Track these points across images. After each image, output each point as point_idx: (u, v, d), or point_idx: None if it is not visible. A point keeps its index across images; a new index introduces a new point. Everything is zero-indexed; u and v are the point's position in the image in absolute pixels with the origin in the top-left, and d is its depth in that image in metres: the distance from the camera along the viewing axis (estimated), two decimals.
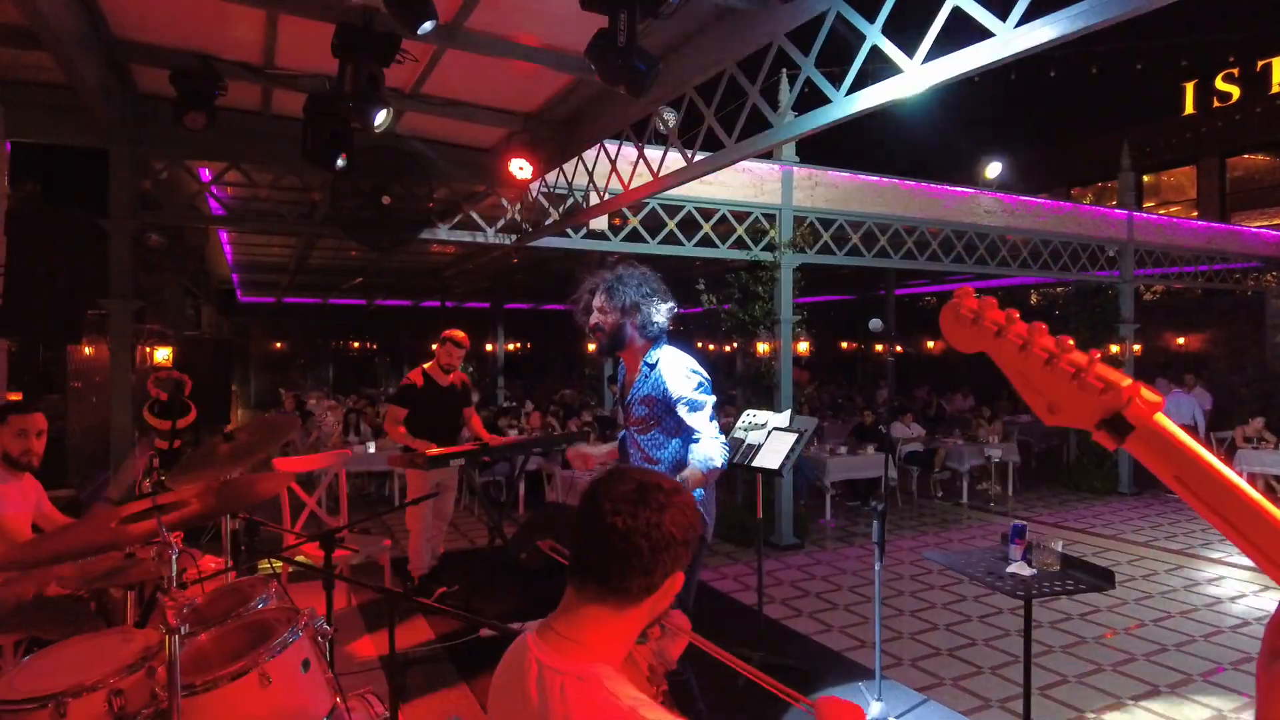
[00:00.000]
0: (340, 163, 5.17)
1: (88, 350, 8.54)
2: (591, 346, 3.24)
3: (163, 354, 7.26)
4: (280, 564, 3.99)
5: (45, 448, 3.58)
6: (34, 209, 5.52)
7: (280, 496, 4.89)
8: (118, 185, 5.87)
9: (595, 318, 3.08)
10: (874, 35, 3.58)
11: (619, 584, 1.26)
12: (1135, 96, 19.29)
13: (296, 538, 4.22)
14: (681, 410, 2.93)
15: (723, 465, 2.87)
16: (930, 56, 3.35)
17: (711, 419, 2.95)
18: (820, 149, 7.52)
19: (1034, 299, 18.02)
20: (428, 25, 3.44)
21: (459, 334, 5.62)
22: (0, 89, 5.49)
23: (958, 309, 0.98)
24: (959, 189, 9.79)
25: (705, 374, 3.01)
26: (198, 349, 8.34)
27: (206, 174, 6.98)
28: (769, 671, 4.61)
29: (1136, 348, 11.63)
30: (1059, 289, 16.63)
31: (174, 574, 1.69)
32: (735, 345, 8.70)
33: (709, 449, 2.87)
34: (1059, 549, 3.15)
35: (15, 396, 5.49)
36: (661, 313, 3.05)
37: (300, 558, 3.89)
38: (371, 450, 8.77)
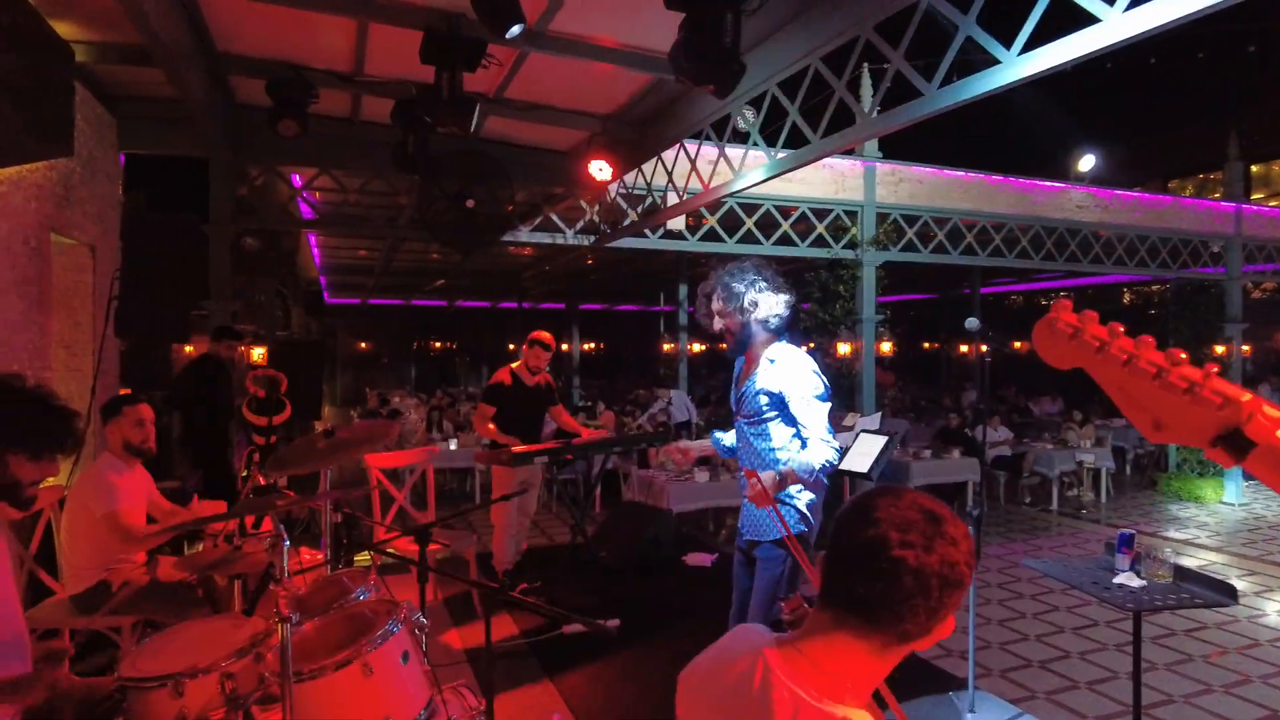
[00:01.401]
0: (429, 168, 5.30)
1: (188, 349, 8.98)
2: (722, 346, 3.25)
3: (258, 353, 7.60)
4: (373, 557, 4.11)
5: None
6: (142, 216, 5.82)
7: (370, 492, 5.04)
8: (217, 192, 6.16)
9: (719, 322, 3.08)
10: (968, 25, 3.46)
11: (892, 624, 1.10)
12: (1244, 81, 18.19)
13: (387, 532, 4.34)
14: (797, 408, 2.91)
15: (826, 470, 2.82)
16: (1029, 46, 3.23)
17: (827, 425, 2.91)
18: (902, 144, 7.34)
19: (1127, 298, 17.22)
20: (515, 29, 3.48)
21: (546, 336, 5.69)
22: (116, 105, 5.82)
23: (1054, 324, 0.92)
24: (1049, 183, 9.41)
25: (825, 378, 2.98)
26: (290, 349, 8.68)
27: (298, 179, 7.26)
28: None
29: (1245, 348, 10.97)
30: (1155, 287, 15.84)
31: (285, 564, 1.75)
32: (814, 345, 8.57)
33: (817, 452, 2.82)
34: (1171, 560, 2.97)
35: (125, 392, 5.80)
36: (781, 305, 3.03)
37: (390, 551, 4.01)
38: (453, 447, 8.97)
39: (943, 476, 8.89)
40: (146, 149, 6.23)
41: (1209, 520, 9.06)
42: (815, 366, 2.98)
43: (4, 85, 3.76)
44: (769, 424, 3.01)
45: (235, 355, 5.29)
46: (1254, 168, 19.06)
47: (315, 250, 12.77)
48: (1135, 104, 22.09)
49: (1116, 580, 2.95)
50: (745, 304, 3.00)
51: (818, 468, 2.79)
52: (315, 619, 2.30)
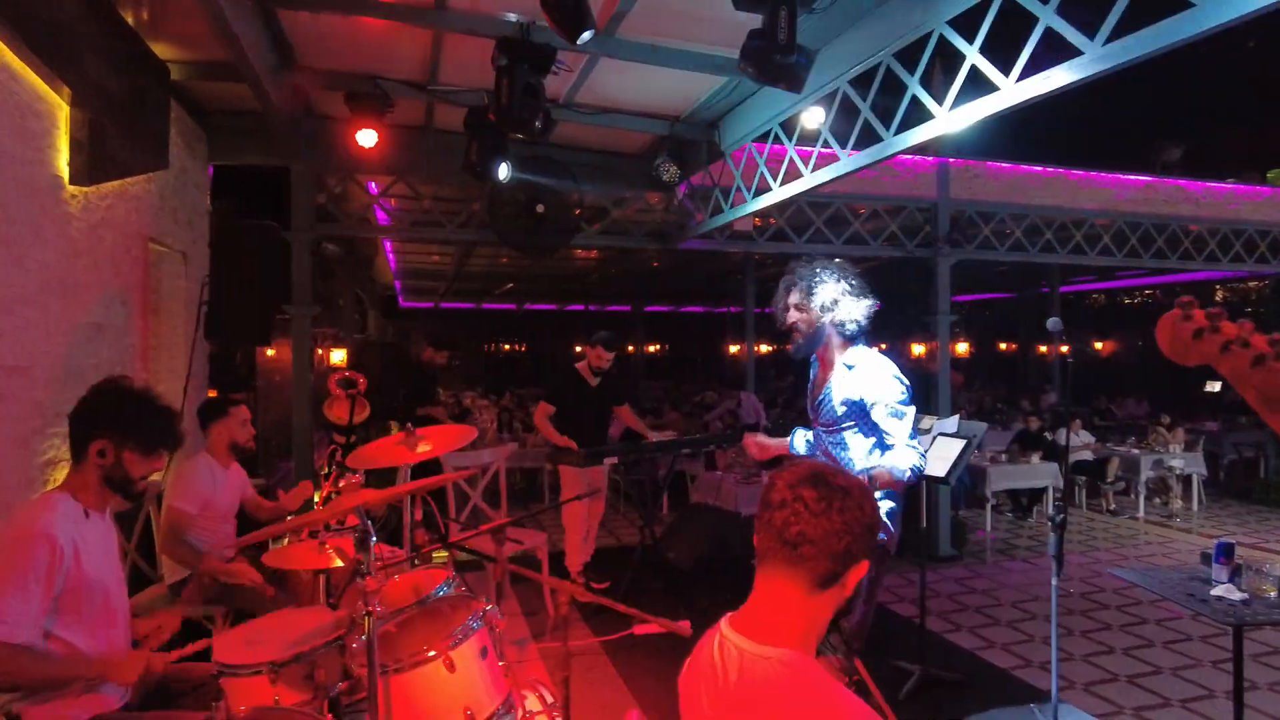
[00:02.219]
0: (500, 173, 5.39)
1: (270, 352, 9.35)
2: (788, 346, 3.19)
3: (338, 355, 7.87)
4: (448, 554, 4.21)
5: None
6: (229, 224, 6.09)
7: (446, 490, 5.17)
8: (298, 200, 6.40)
9: (792, 316, 3.01)
10: (1048, 16, 3.35)
11: (804, 567, 1.31)
12: None
13: (462, 529, 4.44)
14: (879, 416, 2.82)
15: (913, 475, 2.75)
16: (1113, 36, 3.10)
17: (912, 432, 2.83)
18: (978, 139, 7.13)
19: (1220, 294, 16.38)
20: (587, 34, 3.52)
21: (608, 336, 5.73)
22: (206, 118, 6.11)
23: (1179, 320, 0.89)
24: (1134, 176, 9.02)
25: (907, 382, 2.90)
26: (369, 351, 8.96)
27: (374, 187, 7.48)
28: (929, 685, 4.42)
29: None
30: (1252, 283, 15.02)
31: (371, 559, 1.81)
32: (885, 346, 8.40)
33: (904, 456, 2.75)
34: (1277, 573, 2.81)
35: (212, 394, 6.07)
36: (861, 310, 2.95)
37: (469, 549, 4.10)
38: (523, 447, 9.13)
39: (1021, 481, 8.62)
40: (233, 160, 6.52)
41: None
42: (896, 371, 2.89)
43: (111, 104, 3.99)
44: (846, 432, 2.95)
45: (444, 361, 5.52)
46: None
47: (390, 256, 13.13)
48: (1228, 91, 20.95)
49: (1214, 592, 2.80)
50: (825, 302, 2.92)
51: (906, 470, 2.73)
52: (398, 614, 2.37)
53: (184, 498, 3.54)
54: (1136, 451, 9.34)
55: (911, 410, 2.85)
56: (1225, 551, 2.87)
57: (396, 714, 1.95)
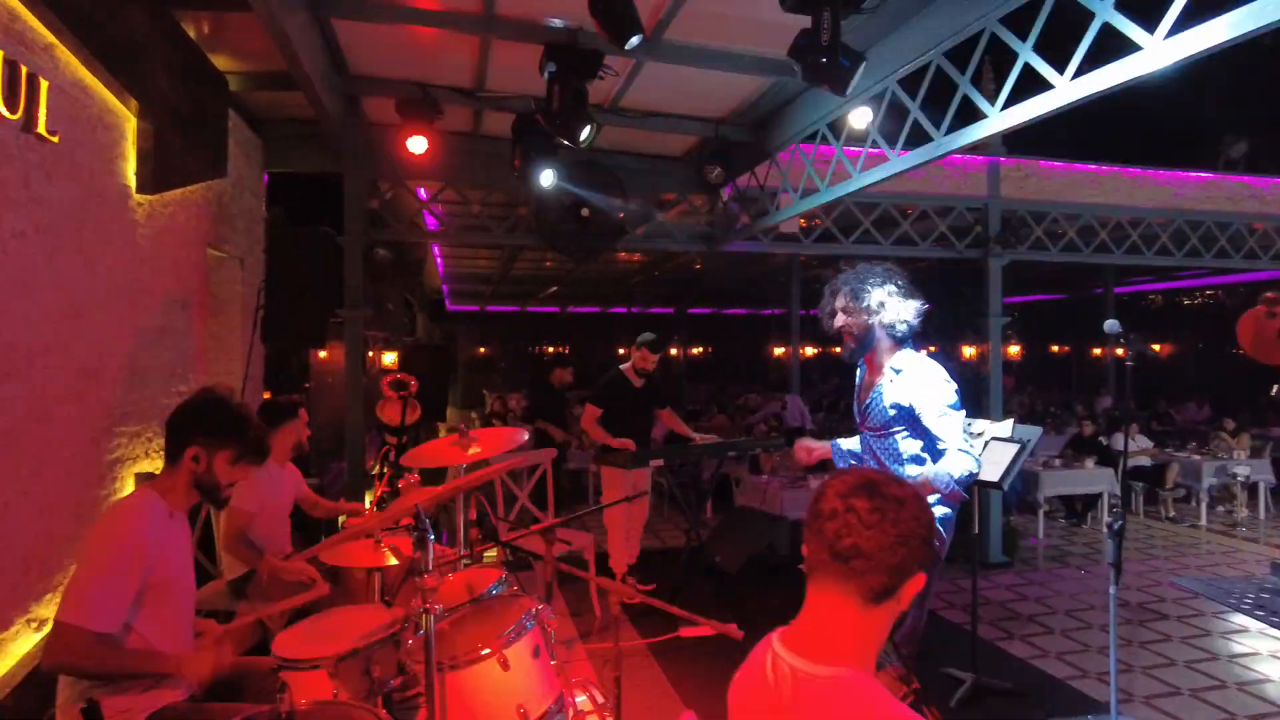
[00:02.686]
0: (547, 176, 5.44)
1: (323, 354, 9.55)
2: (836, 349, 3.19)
3: (389, 358, 8.02)
4: (499, 553, 4.27)
5: None
6: (284, 230, 6.25)
7: (495, 490, 5.23)
8: (350, 206, 6.54)
9: (840, 320, 2.99)
10: (1105, 11, 3.27)
11: (858, 580, 1.25)
12: None
13: (511, 529, 4.49)
14: (930, 421, 2.79)
15: (965, 480, 2.71)
16: (1176, 29, 3.01)
17: (965, 434, 2.79)
18: (1030, 137, 6.98)
19: None
20: (635, 40, 3.55)
21: (653, 338, 5.74)
22: (261, 127, 6.28)
23: (1265, 316, 0.87)
24: (1194, 174, 8.74)
25: (955, 384, 2.86)
26: (419, 353, 9.11)
27: (424, 193, 7.61)
28: (982, 694, 4.34)
29: None
30: None
31: (429, 558, 1.85)
32: (935, 349, 8.27)
33: (956, 462, 2.71)
34: None
35: (266, 395, 6.24)
36: (910, 311, 2.92)
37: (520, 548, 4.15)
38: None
39: (1075, 487, 8.41)
40: (287, 168, 6.69)
41: None
42: (946, 375, 2.85)
43: (174, 116, 4.13)
44: (897, 437, 2.92)
45: (570, 379, 5.57)
46: None
47: (439, 260, 13.34)
48: None
49: None
50: (873, 304, 2.90)
51: (957, 477, 2.69)
52: (452, 612, 2.41)
53: (245, 498, 3.64)
54: (1198, 457, 9.04)
55: (961, 414, 2.81)
56: None
57: (451, 710, 1.98)
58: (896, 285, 2.92)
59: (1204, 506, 8.86)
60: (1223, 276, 13.51)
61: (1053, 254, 8.07)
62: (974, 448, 3.56)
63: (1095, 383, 16.47)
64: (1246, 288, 15.40)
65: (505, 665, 2.07)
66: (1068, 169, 8.10)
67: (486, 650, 2.09)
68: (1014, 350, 8.32)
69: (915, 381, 2.83)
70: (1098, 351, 18.24)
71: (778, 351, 14.87)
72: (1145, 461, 9.24)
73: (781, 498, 6.95)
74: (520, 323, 24.84)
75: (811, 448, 3.26)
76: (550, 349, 29.03)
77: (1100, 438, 9.33)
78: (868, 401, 2.99)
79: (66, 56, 3.31)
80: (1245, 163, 10.13)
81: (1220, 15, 2.81)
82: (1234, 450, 9.09)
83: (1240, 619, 5.41)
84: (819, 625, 1.29)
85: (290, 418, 3.92)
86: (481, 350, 26.77)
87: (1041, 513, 8.31)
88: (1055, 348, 22.38)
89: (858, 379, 3.15)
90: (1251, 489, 9.11)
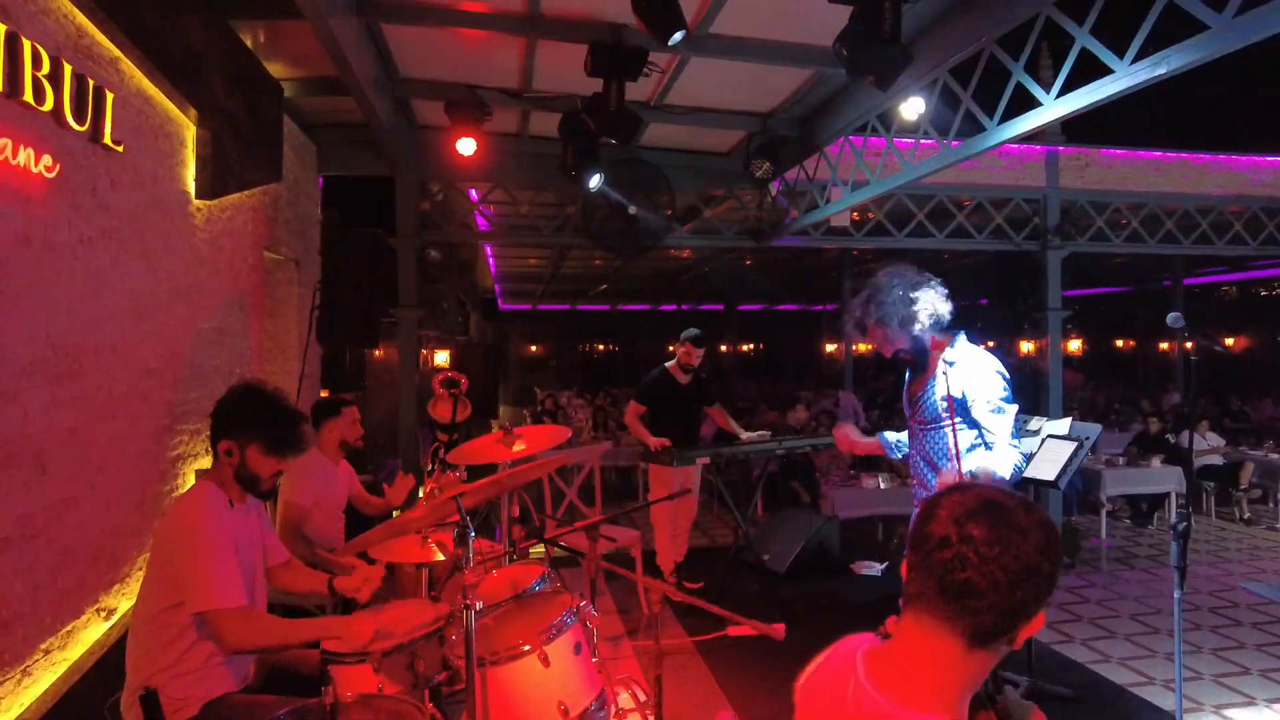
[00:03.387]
0: (594, 180, 5.46)
1: (377, 353, 9.75)
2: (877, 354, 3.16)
3: (442, 356, 8.15)
4: (546, 550, 4.30)
5: None
6: (338, 232, 6.39)
7: (543, 487, 5.27)
8: (402, 208, 6.66)
9: (888, 347, 2.96)
10: None
11: (963, 621, 1.09)
12: None
13: (558, 526, 4.51)
14: (981, 413, 2.76)
15: (1013, 478, 2.65)
16: (1245, 7, 2.87)
17: (1014, 431, 2.74)
18: (1090, 124, 6.75)
19: None
20: (678, 35, 3.53)
21: (697, 334, 5.71)
22: (315, 132, 6.43)
23: None
24: (1270, 158, 8.35)
25: (1007, 375, 2.81)
26: (470, 352, 9.23)
27: (474, 194, 7.70)
28: (1037, 698, 4.22)
29: None
30: None
31: (470, 553, 1.87)
32: (993, 344, 8.07)
33: (1003, 458, 2.66)
34: None
35: (324, 393, 6.38)
36: (939, 301, 2.89)
37: (564, 545, 4.17)
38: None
39: (1140, 486, 8.11)
40: (341, 171, 6.85)
41: None
42: (999, 366, 2.80)
43: (231, 123, 4.26)
44: (946, 429, 2.86)
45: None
46: None
47: (490, 260, 13.52)
48: None
49: None
50: (903, 315, 2.86)
51: (1004, 475, 2.63)
52: (496, 608, 2.44)
53: (299, 491, 3.74)
54: (1275, 456, 8.63)
55: (1013, 408, 2.75)
56: None
57: (493, 706, 2.00)
58: (913, 281, 2.87)
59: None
60: None
61: (1115, 245, 7.80)
62: (1026, 445, 3.46)
63: (1162, 379, 15.87)
64: None
65: (546, 661, 2.08)
66: (1130, 156, 7.82)
67: (527, 646, 2.11)
68: (1074, 346, 8.06)
69: (968, 373, 2.80)
70: (1164, 346, 17.58)
71: (830, 348, 14.67)
72: (1217, 460, 8.86)
73: (833, 497, 6.86)
74: (571, 321, 25.02)
75: (854, 439, 3.22)
76: (601, 346, 29.19)
77: (1167, 435, 8.98)
78: (920, 395, 2.95)
79: (130, 69, 3.44)
80: None
81: None
82: None
83: None
84: (913, 663, 1.14)
85: (333, 415, 3.99)
86: (533, 348, 27.05)
87: (1104, 512, 8.04)
88: (1120, 342, 21.64)
89: (908, 374, 3.10)
90: None
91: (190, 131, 4.08)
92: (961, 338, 2.93)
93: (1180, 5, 3.07)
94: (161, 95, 3.73)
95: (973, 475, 2.63)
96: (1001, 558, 1.06)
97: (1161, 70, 3.19)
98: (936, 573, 1.10)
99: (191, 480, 4.07)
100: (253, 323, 5.12)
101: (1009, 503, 1.12)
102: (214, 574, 2.16)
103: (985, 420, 2.74)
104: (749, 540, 5.83)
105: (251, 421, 2.39)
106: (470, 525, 1.87)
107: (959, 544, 1.08)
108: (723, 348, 20.18)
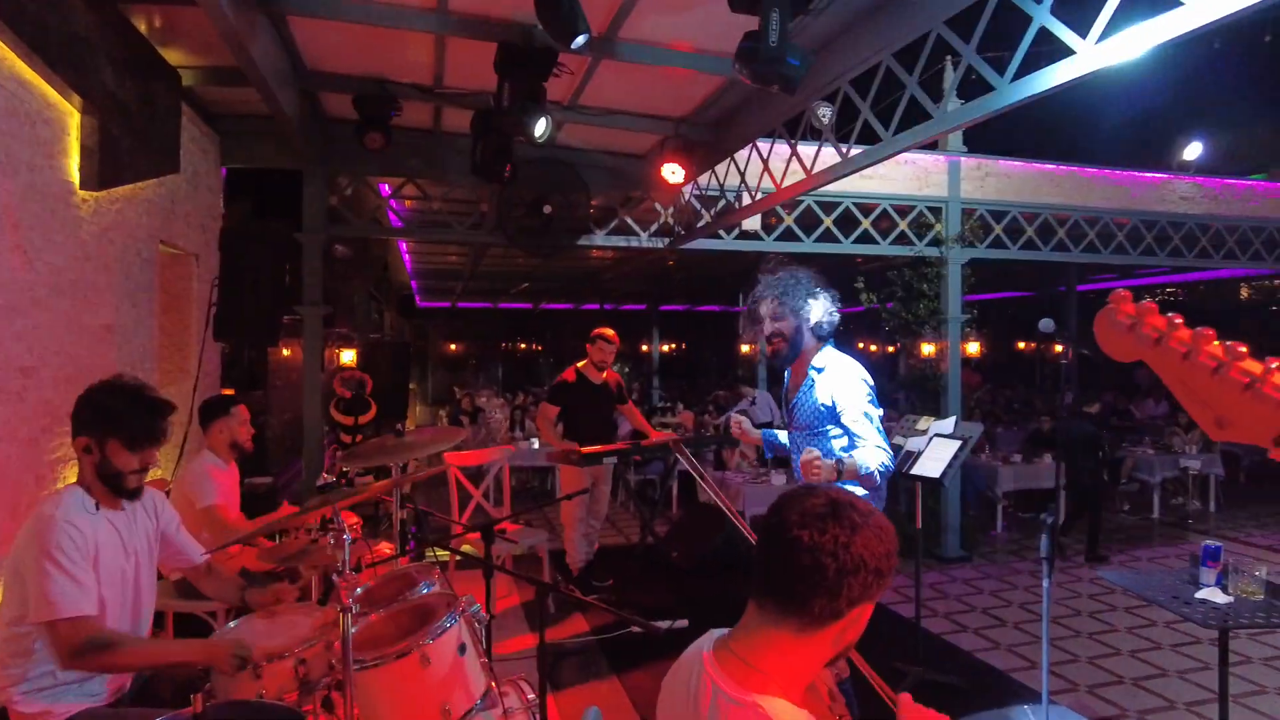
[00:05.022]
0: (540, 125, 5.42)
1: (285, 352, 9.47)
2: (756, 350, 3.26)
3: (348, 355, 7.97)
4: (448, 552, 4.28)
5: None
6: (237, 226, 6.18)
7: (449, 488, 5.22)
8: (309, 202, 6.49)
9: (770, 326, 3.05)
10: (1041, 15, 3.35)
11: (800, 604, 1.19)
12: None
13: (460, 528, 4.49)
14: (849, 420, 2.88)
15: (880, 474, 2.78)
16: (1108, 33, 3.09)
17: (879, 429, 2.88)
18: (992, 137, 7.08)
19: (1245, 293, 16.10)
20: (580, 39, 3.56)
21: (609, 331, 5.76)
22: (218, 123, 6.21)
23: (1112, 315, 0.91)
24: (1149, 174, 8.93)
25: (871, 381, 2.94)
26: (378, 351, 9.05)
27: (386, 189, 7.56)
28: (924, 687, 4.41)
29: None
30: (1278, 281, 14.76)
31: (347, 558, 1.86)
32: (898, 346, 8.37)
33: (871, 455, 2.79)
34: (1264, 575, 2.79)
35: (228, 393, 6.17)
36: (831, 311, 3.01)
37: (466, 548, 4.16)
38: (535, 446, 9.16)
39: (1032, 482, 8.54)
40: (245, 163, 6.61)
41: None
42: (863, 373, 2.95)
43: (121, 111, 4.08)
44: (821, 436, 2.99)
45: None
46: None
47: (406, 256, 13.24)
48: (1247, 85, 20.48)
49: (1199, 595, 2.79)
50: (799, 308, 2.97)
51: (873, 468, 2.76)
52: (381, 611, 2.42)
53: (208, 494, 3.63)
54: (1151, 452, 9.24)
55: (879, 412, 2.90)
56: (1212, 555, 2.85)
57: (374, 708, 1.99)
58: (818, 286, 2.99)
59: (1156, 500, 9.06)
60: (1183, 275, 13.77)
61: (1012, 252, 8.18)
62: (913, 444, 3.62)
63: (1058, 380, 16.73)
64: (1207, 285, 15.72)
65: (424, 662, 2.08)
66: (1026, 168, 8.22)
67: (406, 648, 2.10)
68: (974, 348, 8.43)
69: (835, 380, 2.92)
70: (1059, 348, 18.52)
71: (745, 349, 14.94)
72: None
73: (743, 493, 7.01)
74: (492, 319, 24.73)
75: (745, 429, 3.33)
76: (523, 345, 28.96)
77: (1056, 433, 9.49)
78: (794, 403, 3.06)
79: (4, 52, 3.26)
80: (1200, 165, 10.35)
81: (1149, 19, 2.89)
82: (1187, 445, 9.29)
83: None
84: (752, 646, 1.24)
85: (222, 414, 3.87)
86: (453, 347, 26.63)
87: (1000, 507, 8.45)
88: (1023, 345, 22.69)
89: (785, 381, 3.22)
90: (1202, 483, 9.32)
91: (74, 119, 3.89)
92: (830, 346, 3.06)
93: (1050, 30, 3.27)
94: (40, 80, 3.55)
95: (840, 461, 2.75)
96: (834, 549, 1.17)
97: (1035, 90, 3.40)
98: (776, 564, 1.21)
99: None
100: (146, 320, 4.91)
101: (848, 503, 1.23)
102: (55, 582, 2.07)
103: (854, 428, 2.87)
104: (657, 538, 5.91)
105: (109, 415, 2.27)
106: (345, 529, 1.86)
107: (797, 530, 1.19)
108: (644, 348, 20.30)
